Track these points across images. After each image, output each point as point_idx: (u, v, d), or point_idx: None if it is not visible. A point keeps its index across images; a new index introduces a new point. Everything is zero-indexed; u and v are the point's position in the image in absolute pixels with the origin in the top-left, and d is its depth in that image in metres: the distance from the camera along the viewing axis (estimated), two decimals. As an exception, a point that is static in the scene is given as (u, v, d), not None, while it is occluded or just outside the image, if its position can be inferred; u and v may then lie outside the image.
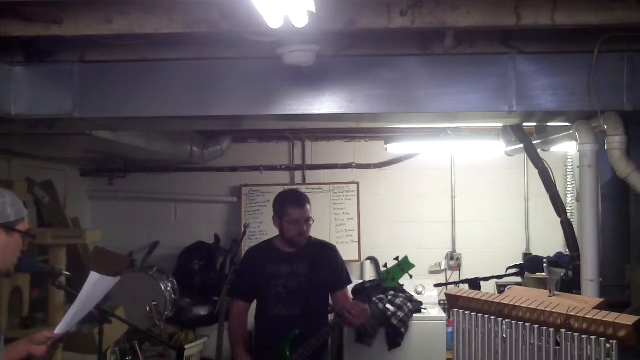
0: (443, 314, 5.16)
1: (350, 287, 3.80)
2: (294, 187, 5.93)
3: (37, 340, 2.39)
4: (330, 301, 3.71)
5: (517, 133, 4.52)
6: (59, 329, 2.42)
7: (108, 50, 3.25)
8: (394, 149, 5.90)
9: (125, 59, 3.30)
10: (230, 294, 3.81)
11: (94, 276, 2.44)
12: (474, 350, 2.67)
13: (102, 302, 2.62)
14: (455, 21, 2.77)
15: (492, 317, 2.61)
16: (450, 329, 4.10)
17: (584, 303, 2.48)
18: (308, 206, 3.52)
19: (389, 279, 3.26)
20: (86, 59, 3.31)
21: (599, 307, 2.40)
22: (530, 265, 4.43)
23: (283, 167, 6.21)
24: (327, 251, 3.67)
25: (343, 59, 3.28)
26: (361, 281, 5.57)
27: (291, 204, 3.51)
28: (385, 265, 3.31)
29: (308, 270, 3.53)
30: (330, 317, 3.77)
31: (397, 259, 3.26)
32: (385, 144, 5.92)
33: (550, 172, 4.21)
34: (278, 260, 3.55)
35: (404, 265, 3.26)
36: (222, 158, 6.17)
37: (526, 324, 2.48)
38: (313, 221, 3.56)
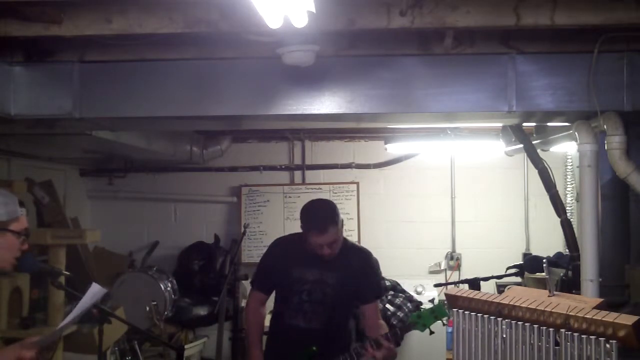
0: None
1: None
2: (303, 191, 5.88)
3: (28, 345, 2.39)
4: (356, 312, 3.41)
5: (516, 133, 4.52)
6: (39, 338, 2.43)
7: (108, 50, 3.25)
8: (394, 149, 5.90)
9: (125, 59, 3.30)
10: (252, 283, 3.45)
11: (94, 287, 2.47)
12: (474, 350, 2.67)
13: (101, 302, 2.62)
14: (455, 21, 2.77)
15: (491, 317, 2.61)
16: (450, 329, 4.09)
17: (584, 303, 2.48)
18: (332, 229, 3.12)
19: (420, 324, 2.98)
20: (86, 59, 3.32)
21: (599, 307, 2.39)
22: (530, 265, 4.43)
23: (283, 167, 6.21)
24: (362, 259, 3.33)
25: (343, 59, 3.28)
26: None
27: (313, 229, 3.13)
28: (411, 300, 3.10)
29: (337, 279, 3.22)
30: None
31: (432, 300, 3.03)
32: (385, 144, 5.92)
33: (550, 172, 4.21)
34: (306, 262, 3.22)
35: (438, 313, 2.97)
36: (222, 158, 6.17)
37: (526, 324, 2.48)
38: (342, 238, 3.22)
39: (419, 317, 3.00)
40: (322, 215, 3.18)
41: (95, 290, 2.48)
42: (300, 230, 3.27)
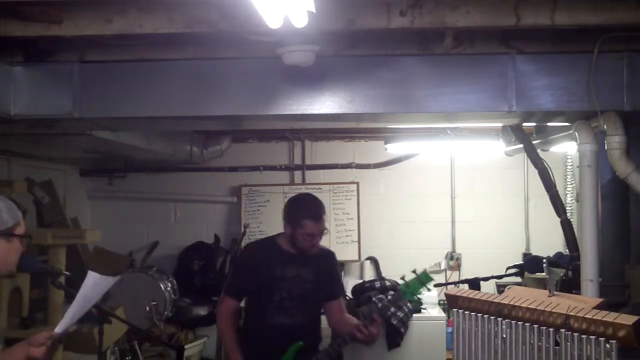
0: (443, 314, 5.15)
1: (349, 287, 3.78)
2: (303, 191, 5.89)
3: (36, 341, 2.38)
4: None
5: (516, 133, 4.52)
6: (58, 328, 2.42)
7: (108, 50, 3.25)
8: (394, 149, 5.90)
9: (125, 59, 3.30)
10: (224, 289, 3.49)
11: (92, 276, 2.44)
12: (474, 350, 2.67)
13: (101, 302, 2.62)
14: (455, 21, 2.77)
15: (491, 317, 2.61)
16: (450, 329, 4.10)
17: (584, 303, 2.48)
18: (324, 217, 3.32)
19: (409, 292, 3.17)
20: (86, 59, 3.32)
21: (599, 307, 2.39)
22: (530, 265, 4.44)
23: (283, 167, 6.21)
24: (329, 259, 3.52)
25: (343, 59, 3.29)
26: (361, 281, 5.57)
27: (309, 217, 3.25)
28: (404, 278, 3.22)
29: (313, 276, 3.36)
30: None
31: (414, 271, 3.17)
32: (385, 144, 5.92)
33: (550, 172, 4.21)
34: (284, 261, 3.34)
35: (423, 279, 3.17)
36: (222, 158, 6.17)
37: (526, 324, 2.47)
38: (328, 231, 3.38)
39: (407, 286, 3.17)
40: (316, 203, 3.36)
41: (93, 280, 2.45)
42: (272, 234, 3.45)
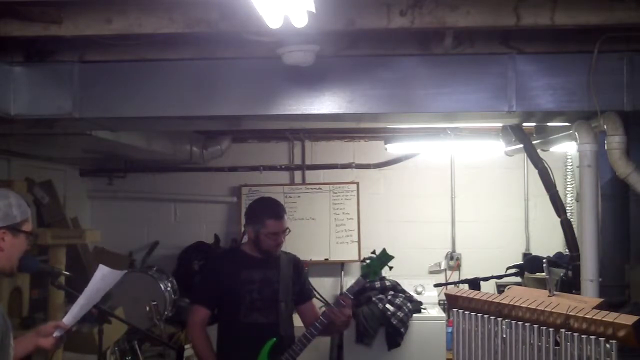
0: (443, 314, 5.16)
1: (347, 285, 3.76)
2: (303, 191, 5.94)
3: (45, 332, 2.40)
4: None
5: (516, 133, 4.52)
6: (66, 319, 2.43)
7: (108, 50, 3.25)
8: (394, 149, 5.90)
9: (125, 59, 3.30)
10: (193, 299, 3.54)
11: (102, 269, 2.47)
12: (474, 350, 2.67)
13: (101, 302, 2.62)
14: (455, 21, 2.77)
15: (491, 317, 2.61)
16: (450, 329, 4.10)
17: (584, 303, 2.48)
18: (285, 216, 3.38)
19: (371, 272, 3.25)
20: (86, 59, 3.32)
21: (599, 307, 2.40)
22: (529, 265, 4.43)
23: (283, 167, 6.21)
24: (295, 263, 3.54)
25: (343, 59, 3.28)
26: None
27: (270, 216, 3.31)
28: (364, 261, 3.30)
29: (279, 277, 3.41)
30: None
31: (374, 252, 3.26)
32: (385, 144, 5.92)
33: (550, 172, 4.21)
34: (250, 265, 3.39)
35: (383, 258, 3.26)
36: (222, 158, 6.17)
37: (526, 324, 2.48)
38: (289, 230, 3.41)
39: (368, 267, 3.27)
40: (276, 203, 3.47)
41: (104, 272, 2.47)
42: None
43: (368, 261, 3.30)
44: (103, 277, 2.48)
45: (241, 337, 3.36)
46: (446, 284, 4.75)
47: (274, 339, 3.27)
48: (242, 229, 5.62)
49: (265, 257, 3.39)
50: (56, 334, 2.39)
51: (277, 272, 3.42)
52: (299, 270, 3.57)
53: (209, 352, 3.36)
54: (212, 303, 3.42)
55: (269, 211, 3.35)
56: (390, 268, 3.28)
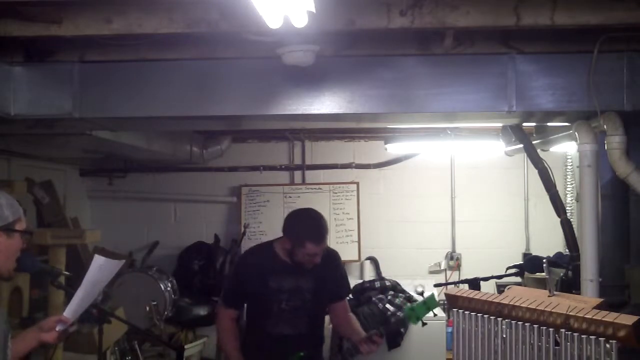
0: (443, 314, 5.15)
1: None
2: (303, 191, 5.90)
3: (47, 326, 2.39)
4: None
5: (516, 133, 4.52)
6: (67, 312, 2.42)
7: (108, 50, 3.25)
8: (394, 149, 5.91)
9: (125, 59, 3.30)
10: (223, 301, 3.41)
11: (98, 259, 2.45)
12: (474, 350, 2.66)
13: (101, 302, 2.62)
14: (454, 21, 2.77)
15: (491, 317, 2.61)
16: (450, 329, 4.09)
17: (584, 303, 2.47)
18: (326, 238, 3.19)
19: (413, 317, 3.11)
20: (86, 59, 3.31)
21: (599, 307, 2.39)
22: (529, 265, 4.42)
23: (283, 167, 6.21)
24: (331, 260, 3.37)
25: (343, 59, 3.28)
26: (361, 281, 5.57)
27: (311, 239, 3.12)
28: (410, 300, 3.19)
29: (313, 284, 3.26)
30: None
31: (421, 293, 3.17)
32: (385, 144, 5.92)
33: (550, 172, 4.21)
34: (281, 272, 3.23)
35: (430, 304, 3.11)
36: (222, 158, 6.17)
37: (526, 324, 2.47)
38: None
39: (412, 310, 3.13)
40: (320, 224, 3.21)
41: (100, 263, 2.45)
42: (269, 239, 3.36)
43: (414, 304, 3.18)
44: (100, 267, 2.44)
45: (267, 348, 3.27)
46: (446, 284, 4.73)
47: (301, 353, 3.12)
48: (242, 229, 5.66)
49: (298, 266, 3.23)
50: (59, 327, 2.38)
51: (310, 279, 3.26)
52: (337, 266, 3.43)
53: (236, 352, 3.28)
54: (240, 304, 3.39)
55: (311, 234, 3.15)
56: (435, 315, 3.18)
